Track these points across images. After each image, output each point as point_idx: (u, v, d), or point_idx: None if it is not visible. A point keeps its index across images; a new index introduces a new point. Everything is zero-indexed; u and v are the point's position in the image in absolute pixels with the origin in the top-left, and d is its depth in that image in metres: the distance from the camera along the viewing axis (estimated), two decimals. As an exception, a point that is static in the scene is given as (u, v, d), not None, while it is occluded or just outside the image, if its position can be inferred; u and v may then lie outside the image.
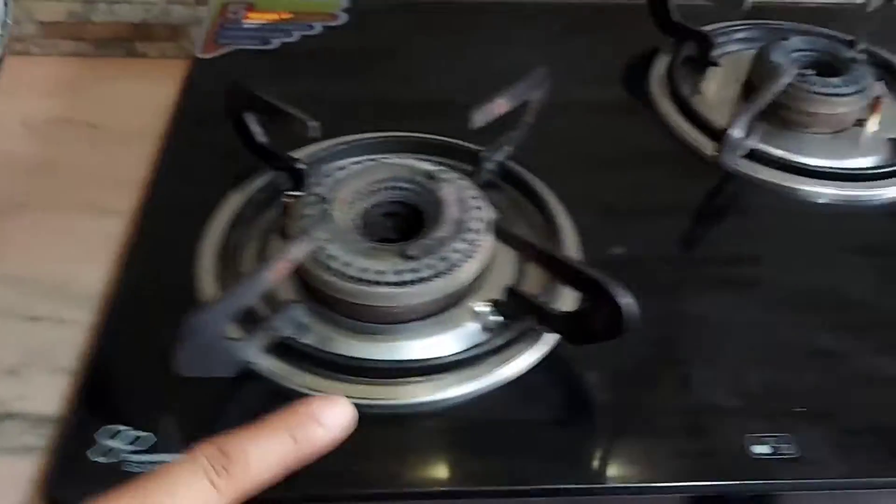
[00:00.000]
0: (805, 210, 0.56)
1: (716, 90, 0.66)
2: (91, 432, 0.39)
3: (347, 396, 0.40)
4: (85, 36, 0.79)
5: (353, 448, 0.39)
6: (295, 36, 0.68)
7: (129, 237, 0.51)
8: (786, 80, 0.56)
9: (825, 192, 0.57)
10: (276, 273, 0.39)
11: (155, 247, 0.50)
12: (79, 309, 0.49)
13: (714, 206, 0.58)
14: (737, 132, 0.52)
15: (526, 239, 0.43)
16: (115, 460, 0.38)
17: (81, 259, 0.52)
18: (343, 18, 0.72)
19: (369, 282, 0.42)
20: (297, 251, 0.40)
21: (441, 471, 0.40)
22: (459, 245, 0.44)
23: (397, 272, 0.43)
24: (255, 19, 0.68)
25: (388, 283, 0.43)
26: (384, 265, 0.43)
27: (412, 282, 0.43)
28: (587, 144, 0.59)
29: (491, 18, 0.65)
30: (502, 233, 0.44)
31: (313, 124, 0.48)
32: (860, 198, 0.57)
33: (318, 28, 0.70)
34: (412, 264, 0.43)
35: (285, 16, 0.69)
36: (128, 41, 0.80)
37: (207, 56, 0.66)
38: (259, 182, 0.52)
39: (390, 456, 0.40)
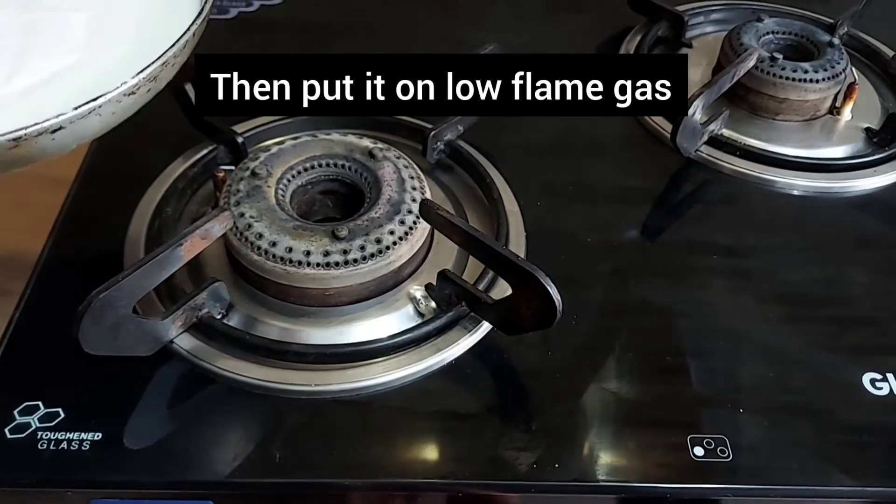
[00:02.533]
0: (775, 201, 0.54)
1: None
2: (10, 408, 0.39)
3: (269, 380, 0.40)
4: None
5: (274, 434, 0.38)
6: (255, 5, 0.66)
7: (63, 208, 0.50)
8: (750, 63, 0.54)
9: (797, 182, 0.55)
10: (187, 249, 0.37)
11: (88, 218, 0.49)
12: (19, 280, 0.48)
13: (677, 195, 0.56)
14: (693, 115, 0.50)
15: (452, 221, 0.41)
16: (28, 436, 0.38)
17: (29, 230, 0.51)
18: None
19: (295, 262, 0.41)
20: (213, 227, 0.38)
21: (362, 460, 0.39)
22: (393, 227, 0.43)
23: (325, 253, 0.41)
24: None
25: (315, 265, 0.41)
26: (312, 246, 0.41)
27: (339, 263, 0.41)
28: (546, 125, 0.57)
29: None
30: (428, 214, 0.42)
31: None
32: (833, 189, 0.55)
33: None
34: (342, 245, 0.42)
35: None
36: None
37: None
38: (198, 155, 0.51)
39: (311, 444, 0.39)
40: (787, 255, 0.50)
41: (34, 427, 0.38)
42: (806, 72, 0.56)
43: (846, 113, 0.59)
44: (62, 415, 0.39)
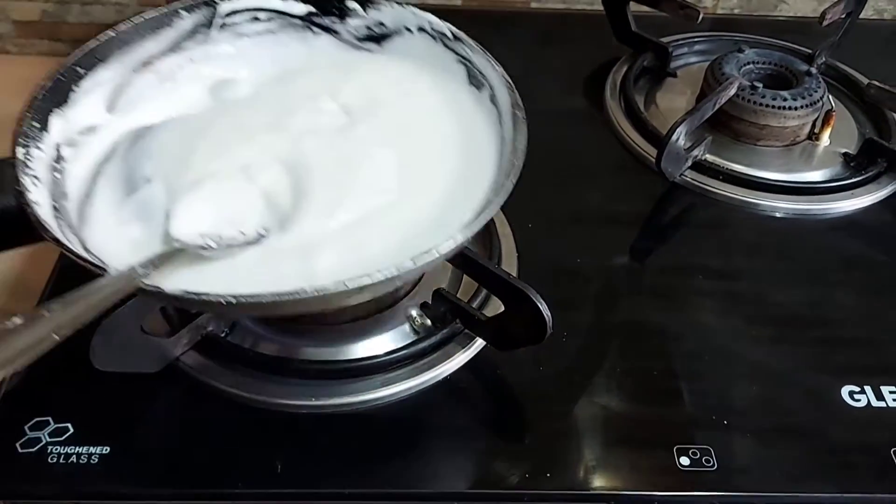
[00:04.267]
0: (758, 223, 0.56)
1: (671, 101, 0.66)
2: (22, 424, 0.40)
3: (271, 396, 0.42)
4: (61, 36, 0.81)
5: (277, 447, 0.40)
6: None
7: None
8: (730, 91, 0.56)
9: (778, 205, 0.57)
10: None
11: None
12: (29, 301, 0.49)
13: (663, 218, 0.58)
14: (677, 141, 0.52)
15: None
16: (40, 451, 0.39)
17: (38, 252, 0.52)
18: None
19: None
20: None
21: (359, 472, 0.40)
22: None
23: (325, 273, 0.43)
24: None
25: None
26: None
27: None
28: (537, 151, 0.59)
29: (459, 25, 0.65)
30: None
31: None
32: (813, 211, 0.57)
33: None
34: (341, 266, 0.43)
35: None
36: (102, 42, 0.81)
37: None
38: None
39: (312, 456, 0.40)
40: (771, 275, 0.52)
41: (44, 441, 0.39)
42: (785, 99, 0.59)
43: (825, 138, 0.62)
44: (71, 429, 0.40)
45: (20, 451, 0.39)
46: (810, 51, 0.68)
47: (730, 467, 0.40)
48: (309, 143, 0.42)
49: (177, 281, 0.33)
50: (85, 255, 0.33)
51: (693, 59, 0.70)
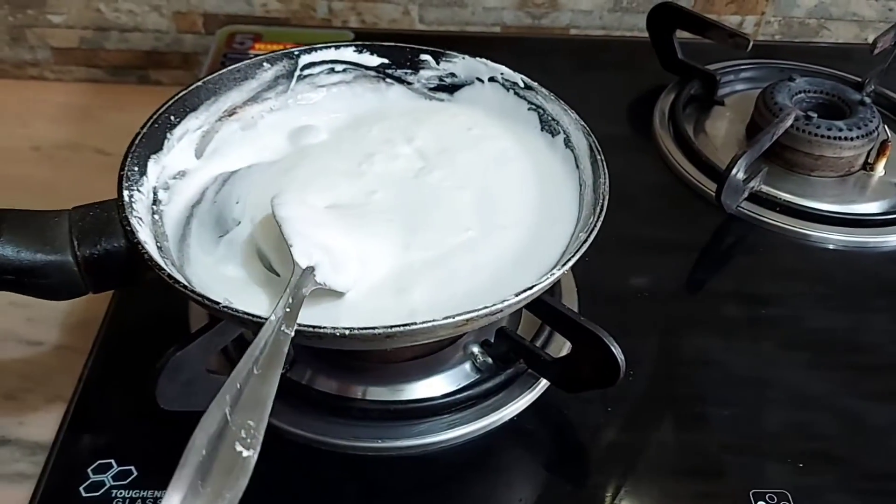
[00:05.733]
0: (813, 255, 0.56)
1: (720, 130, 0.65)
2: (84, 466, 0.39)
3: (337, 437, 0.41)
4: (98, 63, 0.81)
5: (346, 489, 0.39)
6: (300, 68, 0.68)
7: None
8: (788, 122, 0.55)
9: (832, 237, 0.56)
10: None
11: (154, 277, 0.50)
12: (80, 336, 0.49)
13: (717, 248, 0.57)
14: (737, 174, 0.51)
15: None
16: (104, 495, 0.38)
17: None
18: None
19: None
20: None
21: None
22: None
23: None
24: (261, 50, 0.69)
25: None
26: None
27: (404, 322, 0.42)
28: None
29: (497, 53, 0.65)
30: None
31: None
32: (868, 244, 0.56)
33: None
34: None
35: (291, 47, 0.69)
36: (140, 69, 0.81)
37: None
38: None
39: (384, 500, 0.39)
40: (834, 309, 0.51)
41: (108, 485, 0.39)
42: (840, 130, 0.58)
43: (879, 169, 0.61)
44: (135, 472, 0.39)
45: (84, 494, 0.38)
46: (859, 79, 0.67)
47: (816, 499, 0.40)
48: (388, 184, 0.43)
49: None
50: (228, 304, 0.33)
51: (740, 87, 0.69)
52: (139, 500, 0.38)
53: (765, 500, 0.40)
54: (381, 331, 0.32)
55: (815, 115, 0.58)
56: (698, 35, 0.66)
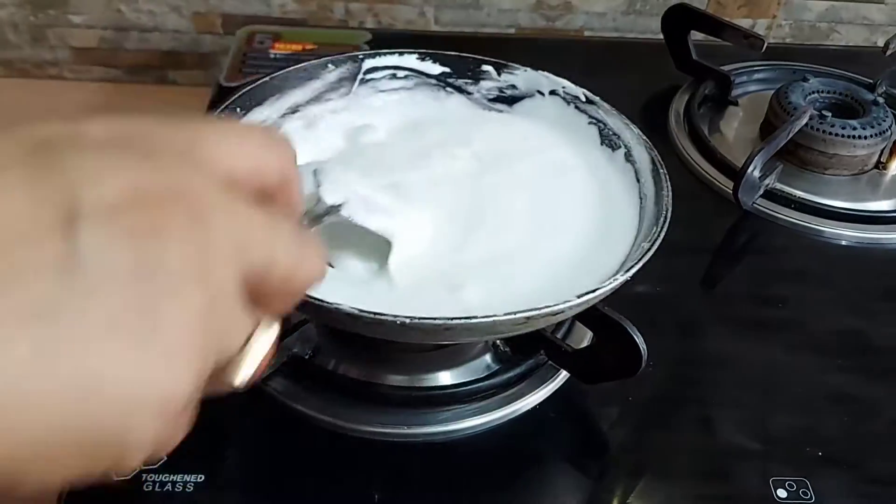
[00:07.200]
0: (826, 252, 0.56)
1: (734, 129, 0.66)
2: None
3: (362, 423, 0.42)
4: (117, 63, 0.82)
5: (373, 476, 0.40)
6: (320, 67, 0.69)
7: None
8: (803, 120, 0.56)
9: (846, 234, 0.57)
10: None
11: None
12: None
13: (733, 245, 0.58)
14: (753, 171, 0.52)
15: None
16: (135, 479, 0.39)
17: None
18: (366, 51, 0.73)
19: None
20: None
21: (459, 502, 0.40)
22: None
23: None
24: (281, 50, 0.70)
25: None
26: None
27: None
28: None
29: (513, 54, 0.66)
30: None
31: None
32: (881, 241, 0.57)
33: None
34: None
35: (310, 47, 0.70)
36: (159, 69, 0.82)
37: (232, 84, 0.68)
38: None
39: (410, 486, 0.40)
40: (866, 305, 0.52)
41: (138, 469, 0.39)
42: (854, 129, 0.59)
43: (892, 167, 0.62)
44: (164, 457, 0.40)
45: (114, 478, 0.39)
46: (870, 80, 0.68)
47: (828, 500, 0.40)
48: (444, 181, 0.43)
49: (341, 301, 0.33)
50: None
51: (753, 88, 0.70)
52: (169, 484, 0.39)
53: (784, 489, 0.40)
54: (440, 322, 0.32)
55: (830, 114, 0.59)
56: (713, 36, 0.67)
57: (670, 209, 0.40)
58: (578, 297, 0.34)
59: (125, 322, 0.18)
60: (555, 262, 0.40)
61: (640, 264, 0.36)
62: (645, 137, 0.45)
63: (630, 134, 0.45)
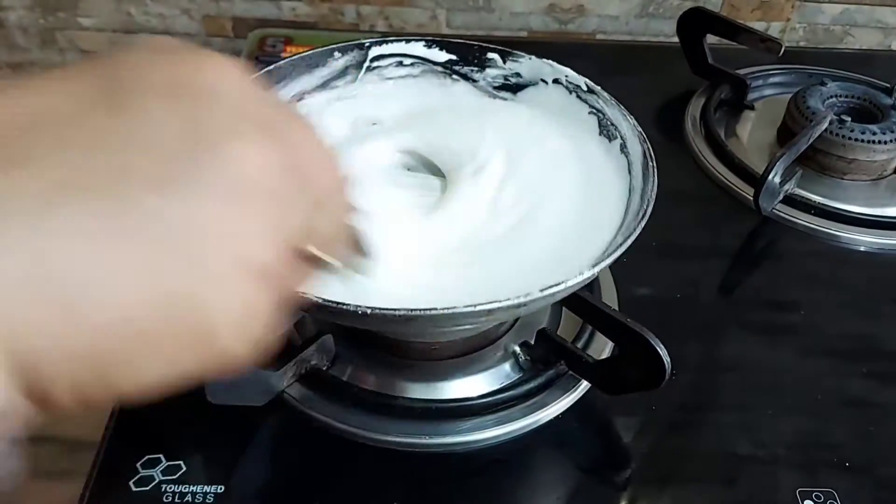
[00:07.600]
0: (844, 257, 0.56)
1: (751, 133, 0.66)
2: (132, 461, 0.39)
3: (382, 433, 0.41)
4: (126, 65, 0.81)
5: (393, 486, 0.39)
6: (333, 70, 0.69)
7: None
8: (823, 125, 0.56)
9: (864, 239, 0.56)
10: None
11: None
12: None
13: (751, 250, 0.57)
14: (774, 177, 0.52)
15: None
16: (154, 490, 0.38)
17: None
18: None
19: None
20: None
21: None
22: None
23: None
24: (293, 53, 0.69)
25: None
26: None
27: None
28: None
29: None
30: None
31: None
32: (901, 246, 0.56)
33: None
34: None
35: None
36: (168, 71, 0.82)
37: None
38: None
39: (432, 497, 0.39)
40: (883, 311, 0.52)
41: (158, 480, 0.39)
42: (874, 133, 0.58)
43: (912, 172, 0.61)
44: (184, 467, 0.39)
45: (134, 489, 0.38)
46: (886, 84, 0.67)
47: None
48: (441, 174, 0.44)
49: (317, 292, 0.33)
50: None
51: (769, 92, 0.70)
52: (189, 495, 0.38)
53: (812, 500, 0.40)
54: (402, 313, 0.32)
55: (849, 119, 0.59)
56: (729, 40, 0.67)
57: (652, 203, 0.39)
58: (541, 290, 0.33)
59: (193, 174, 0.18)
60: (538, 254, 0.40)
61: (610, 261, 0.36)
62: (640, 129, 0.44)
63: (627, 125, 0.45)
